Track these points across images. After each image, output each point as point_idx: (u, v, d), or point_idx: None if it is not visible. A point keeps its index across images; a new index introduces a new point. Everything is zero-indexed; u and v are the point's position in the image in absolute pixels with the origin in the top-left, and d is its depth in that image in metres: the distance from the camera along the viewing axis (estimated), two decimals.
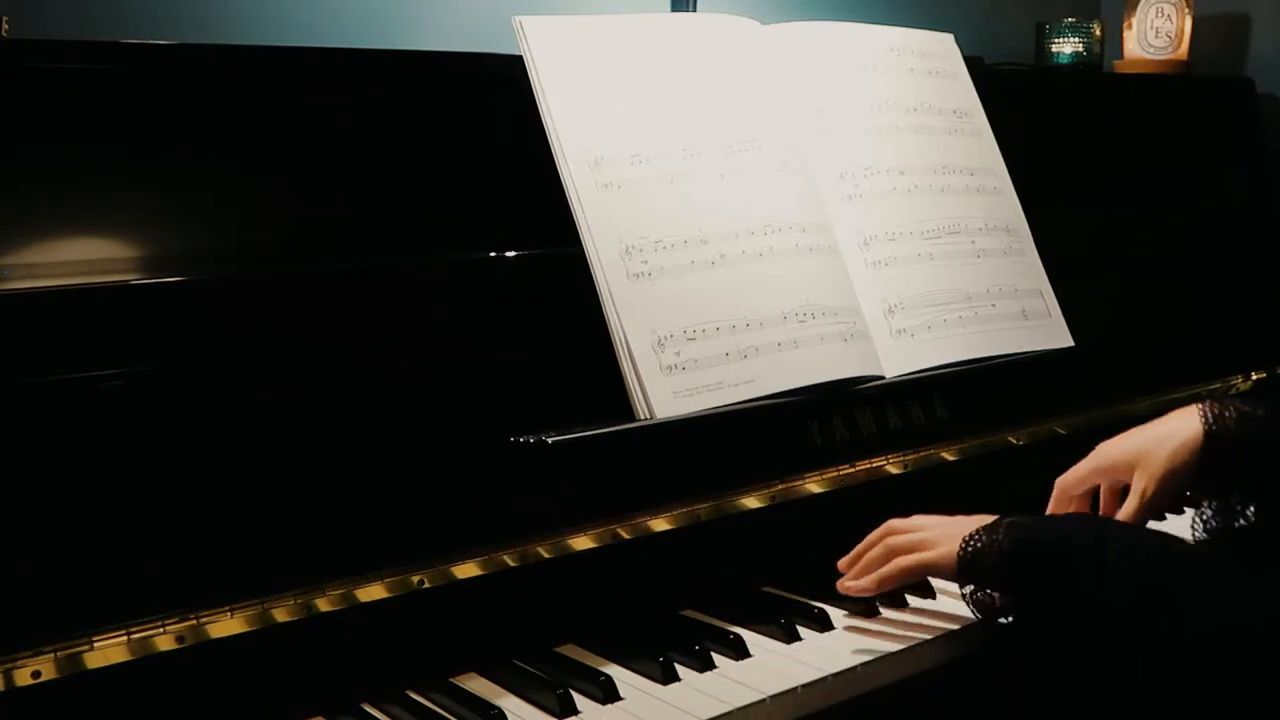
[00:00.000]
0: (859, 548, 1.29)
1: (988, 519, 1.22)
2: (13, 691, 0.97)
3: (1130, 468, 1.31)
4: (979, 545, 1.17)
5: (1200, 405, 1.29)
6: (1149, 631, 1.05)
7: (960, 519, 1.24)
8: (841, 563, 1.29)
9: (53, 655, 0.98)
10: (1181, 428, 1.29)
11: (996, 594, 1.18)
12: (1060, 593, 1.11)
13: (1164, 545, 1.13)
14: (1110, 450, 1.34)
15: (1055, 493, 1.38)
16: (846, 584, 1.26)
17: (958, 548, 1.19)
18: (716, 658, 1.17)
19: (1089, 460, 1.36)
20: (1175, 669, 1.04)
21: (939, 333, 1.51)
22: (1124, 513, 1.30)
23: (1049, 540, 1.14)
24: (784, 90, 1.51)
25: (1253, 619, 1.02)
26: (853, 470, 1.41)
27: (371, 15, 1.67)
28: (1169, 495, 1.29)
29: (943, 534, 1.22)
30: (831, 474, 1.39)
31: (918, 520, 1.28)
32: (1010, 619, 1.18)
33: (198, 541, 1.06)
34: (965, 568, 1.18)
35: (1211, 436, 1.27)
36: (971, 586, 1.20)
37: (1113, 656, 1.08)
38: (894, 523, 1.29)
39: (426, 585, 1.14)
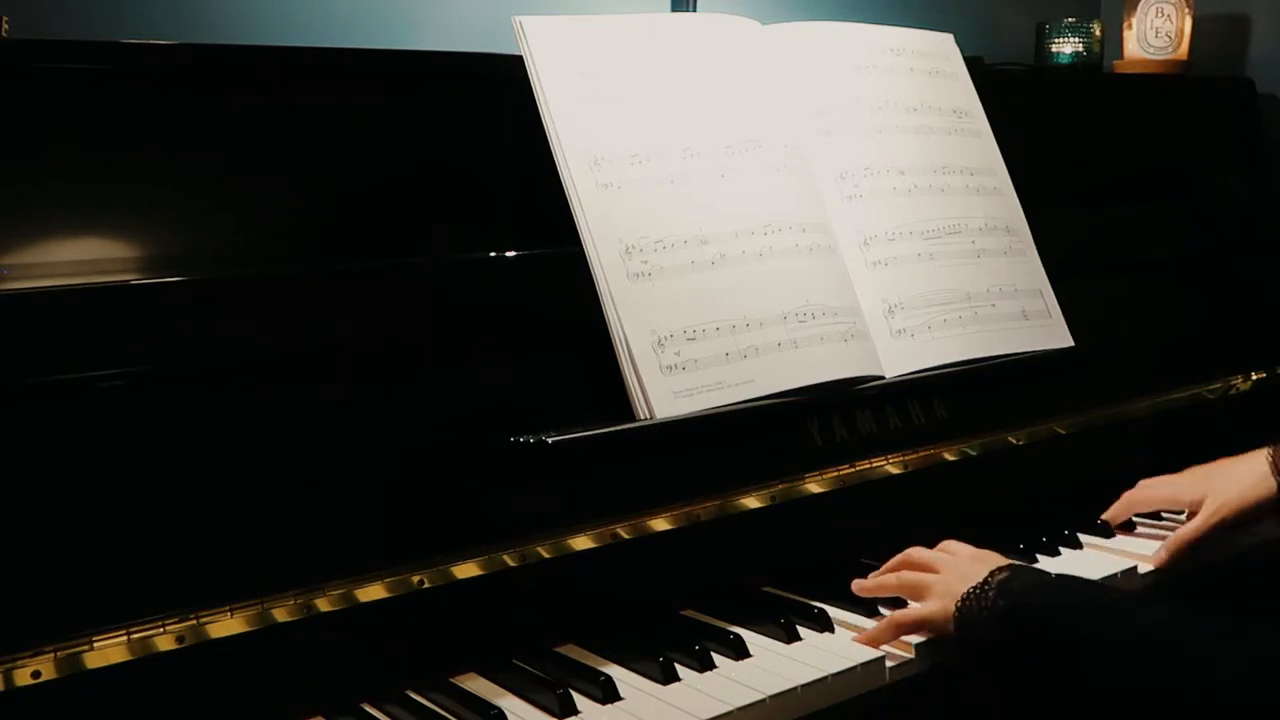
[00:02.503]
0: (880, 571, 1.31)
1: (993, 562, 1.22)
2: (13, 691, 0.97)
3: (1201, 501, 1.45)
4: (971, 606, 1.18)
5: (1269, 454, 1.42)
6: (1140, 694, 1.08)
7: (968, 562, 1.24)
8: (858, 585, 1.29)
9: (53, 655, 0.98)
10: (1255, 470, 1.43)
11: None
12: (1049, 659, 1.13)
13: (1158, 611, 1.14)
14: (1186, 486, 1.48)
15: (1121, 504, 1.52)
16: (864, 637, 1.24)
17: (953, 608, 1.19)
18: (716, 658, 1.17)
19: (1166, 489, 1.50)
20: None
21: (939, 333, 1.51)
22: (1190, 528, 1.43)
23: (1037, 609, 1.15)
24: (784, 90, 1.51)
25: (1247, 679, 1.03)
26: (852, 470, 1.41)
27: (371, 15, 1.67)
28: (1233, 524, 1.43)
29: (943, 584, 1.22)
30: (831, 474, 1.39)
31: (936, 557, 1.28)
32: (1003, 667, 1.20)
33: (197, 541, 1.06)
34: (959, 628, 1.19)
35: None
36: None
37: (1104, 713, 1.11)
38: (913, 552, 1.30)
39: (426, 585, 1.14)
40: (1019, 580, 1.18)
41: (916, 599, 1.25)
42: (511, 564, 1.19)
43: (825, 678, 1.15)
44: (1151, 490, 1.52)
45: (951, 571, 1.24)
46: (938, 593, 1.22)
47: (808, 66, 1.55)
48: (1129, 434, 1.70)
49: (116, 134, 1.14)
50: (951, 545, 1.31)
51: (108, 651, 1.01)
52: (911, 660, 1.21)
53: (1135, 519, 1.54)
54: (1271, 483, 1.41)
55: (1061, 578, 1.21)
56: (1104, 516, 1.52)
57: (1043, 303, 1.63)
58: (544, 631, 1.23)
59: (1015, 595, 1.16)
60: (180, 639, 1.03)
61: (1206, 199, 2.09)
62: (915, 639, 1.21)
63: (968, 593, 1.19)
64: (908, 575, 1.27)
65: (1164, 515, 1.55)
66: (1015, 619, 1.15)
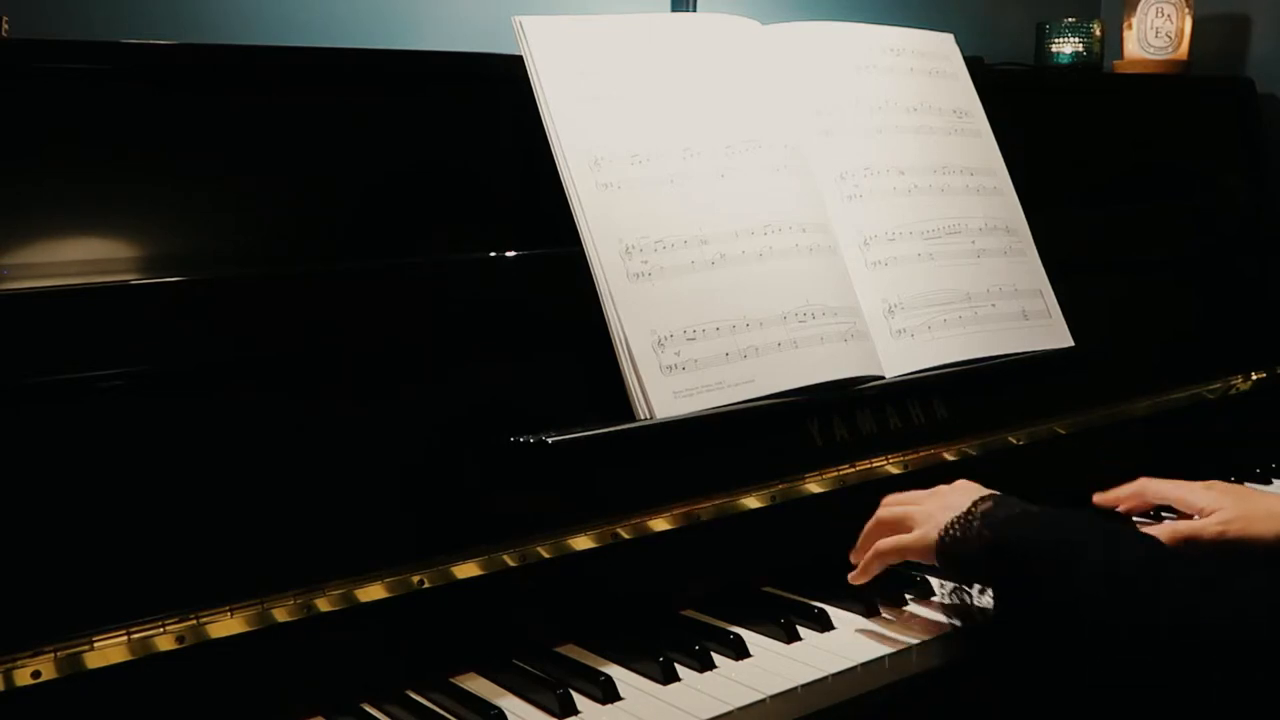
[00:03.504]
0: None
1: (975, 493, 1.23)
2: (13, 691, 0.97)
3: (1213, 511, 1.42)
4: (955, 535, 1.18)
5: None
6: (1123, 624, 1.07)
7: (949, 494, 1.25)
8: (853, 576, 1.29)
9: (53, 655, 0.98)
10: (1272, 508, 1.39)
11: (974, 591, 1.20)
12: (1034, 590, 1.13)
13: (1143, 544, 1.14)
14: (1201, 492, 1.45)
15: (1135, 486, 1.52)
16: (851, 576, 1.27)
17: (935, 535, 1.20)
18: (716, 658, 1.17)
19: (1180, 489, 1.47)
20: (1149, 659, 1.06)
21: (939, 333, 1.51)
22: (1197, 524, 1.40)
23: (1023, 539, 1.15)
24: (784, 90, 1.51)
25: (1228, 610, 1.03)
26: (853, 470, 1.41)
27: (371, 15, 1.67)
28: (1234, 545, 1.39)
29: (924, 514, 1.23)
30: (831, 474, 1.39)
31: (911, 494, 1.30)
32: (987, 615, 1.20)
33: (198, 541, 1.06)
34: (942, 558, 1.19)
35: None
36: (952, 586, 1.21)
37: (1088, 649, 1.10)
38: (890, 497, 1.32)
39: (426, 585, 1.14)
40: (1003, 509, 1.18)
41: (899, 532, 1.25)
42: (511, 564, 1.19)
43: (825, 678, 1.15)
44: (1167, 485, 1.51)
45: (932, 500, 1.24)
46: (919, 521, 1.23)
47: (808, 66, 1.55)
48: (1129, 434, 1.70)
49: (117, 134, 1.14)
50: (923, 490, 1.31)
51: (108, 651, 1.00)
52: (911, 660, 1.20)
53: (1137, 518, 1.54)
54: None
55: (1045, 510, 1.20)
56: (1116, 492, 1.52)
57: (1043, 303, 1.63)
58: (544, 631, 1.23)
59: (1000, 525, 1.16)
60: (180, 639, 1.03)
61: (1206, 199, 2.09)
62: (915, 639, 1.21)
63: (951, 522, 1.19)
64: (886, 511, 1.27)
65: (1163, 516, 1.55)
66: (1001, 550, 1.15)
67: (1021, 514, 1.18)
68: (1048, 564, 1.12)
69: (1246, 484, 1.69)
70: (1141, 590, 1.07)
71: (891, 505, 1.30)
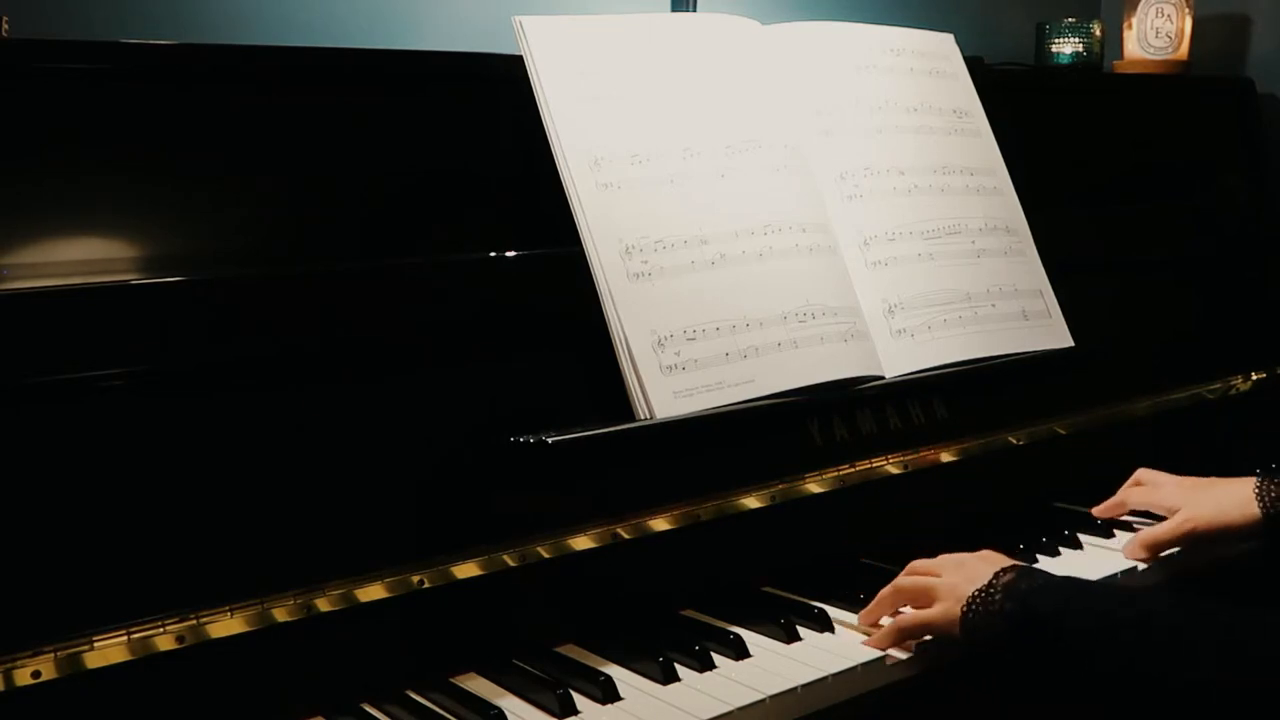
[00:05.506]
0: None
1: (998, 564, 1.21)
2: (13, 691, 0.97)
3: (1176, 509, 1.44)
4: (979, 610, 1.17)
5: (1256, 484, 1.40)
6: (1173, 683, 1.07)
7: (973, 564, 1.22)
8: (863, 615, 1.27)
9: (53, 655, 0.98)
10: (1238, 494, 1.41)
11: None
12: (1069, 661, 1.12)
13: (1180, 601, 1.14)
14: (1168, 492, 1.48)
15: (1116, 500, 1.54)
16: (871, 641, 1.23)
17: (959, 612, 1.18)
18: (716, 658, 1.17)
19: (1148, 493, 1.51)
20: (1198, 710, 1.06)
21: (939, 333, 1.51)
22: (1155, 531, 1.42)
23: (1051, 611, 1.13)
24: (784, 90, 1.51)
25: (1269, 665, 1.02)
26: (853, 470, 1.41)
27: (371, 15, 1.67)
28: (1205, 538, 1.42)
29: (947, 587, 1.20)
30: (831, 474, 1.39)
31: (936, 563, 1.26)
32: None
33: (198, 541, 1.06)
34: (966, 634, 1.17)
35: (1272, 520, 1.39)
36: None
37: (1135, 707, 1.11)
38: (915, 564, 1.28)
39: (426, 585, 1.15)
40: (1025, 582, 1.17)
41: (920, 605, 1.23)
42: (511, 564, 1.19)
43: (825, 678, 1.15)
44: (1141, 492, 1.52)
45: (954, 573, 1.22)
46: (941, 595, 1.20)
47: (808, 66, 1.55)
48: (1129, 434, 1.70)
49: (116, 134, 1.14)
50: (948, 556, 1.28)
51: (108, 651, 1.01)
52: (911, 660, 1.20)
53: (1134, 519, 1.54)
54: (1254, 510, 1.40)
55: (1068, 579, 1.20)
56: (1095, 512, 1.53)
57: (1043, 303, 1.63)
58: (544, 631, 1.23)
59: (1023, 597, 1.15)
60: (180, 639, 1.03)
61: (1206, 199, 2.09)
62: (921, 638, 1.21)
63: (973, 595, 1.17)
64: (906, 582, 1.25)
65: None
66: (1023, 622, 1.14)
67: (1044, 585, 1.17)
68: (1074, 636, 1.11)
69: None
70: (1188, 645, 1.06)
71: (914, 574, 1.26)
